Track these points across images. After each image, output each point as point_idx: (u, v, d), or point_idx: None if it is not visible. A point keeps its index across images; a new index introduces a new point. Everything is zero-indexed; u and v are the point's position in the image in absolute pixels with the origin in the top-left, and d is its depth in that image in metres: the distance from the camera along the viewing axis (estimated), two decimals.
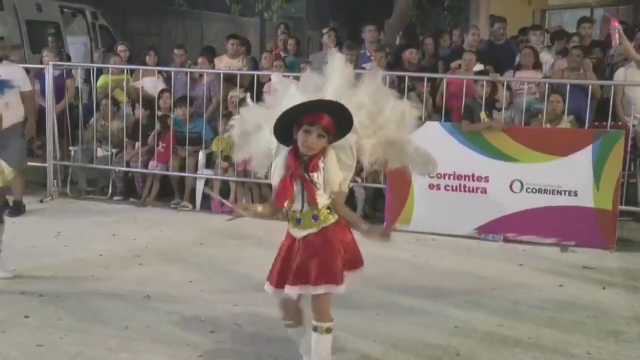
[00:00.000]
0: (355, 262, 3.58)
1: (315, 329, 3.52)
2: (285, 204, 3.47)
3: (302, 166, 3.41)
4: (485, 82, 7.03)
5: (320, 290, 3.43)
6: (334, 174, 3.42)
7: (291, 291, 3.48)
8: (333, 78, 3.64)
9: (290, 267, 3.51)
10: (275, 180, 3.49)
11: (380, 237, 3.55)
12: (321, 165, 3.40)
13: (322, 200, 3.45)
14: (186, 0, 27.32)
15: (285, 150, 3.51)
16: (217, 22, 27.34)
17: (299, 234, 3.51)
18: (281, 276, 3.54)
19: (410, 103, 3.89)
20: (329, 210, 3.49)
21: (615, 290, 5.35)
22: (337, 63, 3.67)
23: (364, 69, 8.01)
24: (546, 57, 8.44)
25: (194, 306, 4.78)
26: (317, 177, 3.40)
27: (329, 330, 3.52)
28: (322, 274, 3.42)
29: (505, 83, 7.17)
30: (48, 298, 4.83)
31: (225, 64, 8.94)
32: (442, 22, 20.98)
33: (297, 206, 3.47)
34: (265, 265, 5.42)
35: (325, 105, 3.40)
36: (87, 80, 9.44)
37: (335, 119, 3.38)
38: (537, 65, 7.95)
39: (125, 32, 22.58)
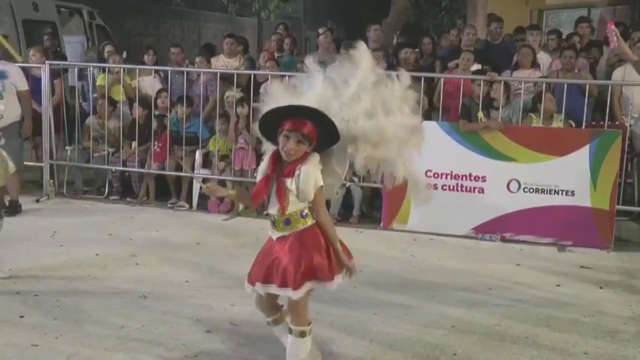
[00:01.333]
0: (322, 272, 3.41)
1: (290, 331, 3.51)
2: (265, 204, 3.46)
3: (279, 170, 3.38)
4: (482, 82, 7.02)
5: (279, 291, 3.41)
6: (308, 184, 3.33)
7: (259, 288, 3.48)
8: (358, 75, 3.51)
9: (262, 266, 3.49)
10: (258, 177, 3.52)
11: (345, 268, 3.48)
12: (297, 172, 3.33)
13: (293, 206, 3.37)
14: (183, 0, 27.34)
15: (270, 150, 3.51)
16: (215, 22, 27.33)
17: (274, 235, 3.49)
18: (255, 273, 3.53)
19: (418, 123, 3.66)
20: (303, 215, 3.40)
21: (612, 290, 5.34)
22: (366, 60, 3.54)
23: None
24: (543, 57, 8.43)
25: (190, 306, 4.76)
26: (290, 183, 3.33)
27: (303, 334, 3.48)
28: (284, 277, 3.38)
29: (503, 82, 7.14)
30: (43, 297, 4.81)
31: (222, 63, 8.93)
32: (440, 21, 20.98)
33: (271, 209, 3.43)
34: None
35: (308, 111, 3.33)
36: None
37: (319, 126, 3.33)
38: (535, 64, 7.94)
39: (122, 32, 22.55)
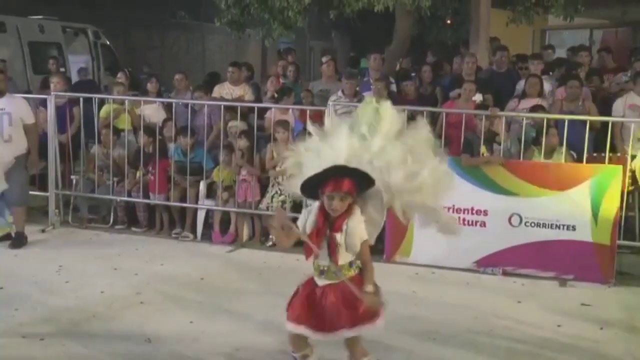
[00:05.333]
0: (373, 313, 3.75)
1: None
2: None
3: (328, 224, 3.65)
4: (484, 116, 7.06)
5: (356, 331, 3.74)
6: (356, 237, 3.62)
7: (319, 337, 3.78)
8: (382, 128, 3.82)
9: (317, 312, 3.73)
10: (308, 229, 3.73)
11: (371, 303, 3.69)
12: (344, 227, 3.61)
13: (343, 257, 3.68)
14: (188, 13, 27.48)
15: (315, 204, 3.77)
16: (219, 34, 27.42)
17: (321, 281, 3.76)
18: (302, 313, 3.77)
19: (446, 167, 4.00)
20: (352, 265, 3.71)
21: (613, 331, 5.36)
22: (388, 114, 3.86)
23: (364, 97, 8.14)
24: (545, 85, 8.47)
25: (195, 350, 4.81)
26: (340, 237, 3.63)
27: None
28: (359, 316, 3.69)
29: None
30: (49, 342, 4.86)
31: (227, 90, 9.00)
32: (443, 36, 20.98)
33: (322, 260, 3.73)
34: (265, 303, 5.48)
35: (343, 169, 3.61)
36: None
37: (355, 179, 3.60)
38: (541, 93, 7.99)
39: (127, 45, 22.69)
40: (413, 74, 9.62)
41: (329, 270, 3.71)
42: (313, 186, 3.68)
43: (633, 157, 7.30)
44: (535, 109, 7.45)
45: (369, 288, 3.66)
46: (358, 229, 3.62)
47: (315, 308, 3.74)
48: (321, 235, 3.65)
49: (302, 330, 3.78)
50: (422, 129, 3.94)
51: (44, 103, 8.40)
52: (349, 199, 3.61)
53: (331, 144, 3.87)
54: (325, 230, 3.65)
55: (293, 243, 3.77)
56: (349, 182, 3.57)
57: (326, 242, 3.66)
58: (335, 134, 3.91)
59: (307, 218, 3.75)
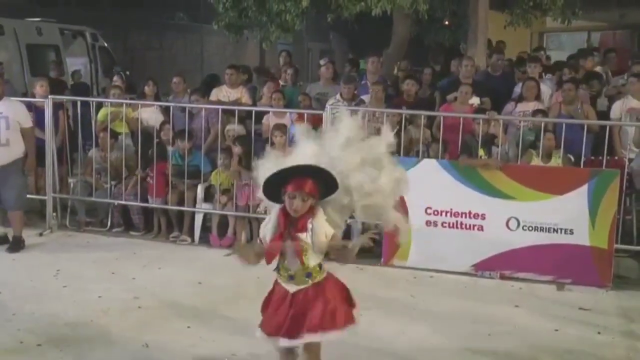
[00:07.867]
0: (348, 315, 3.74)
1: None
2: (277, 259, 3.68)
3: (290, 226, 3.61)
4: (481, 120, 7.06)
5: (314, 337, 3.64)
6: (322, 235, 3.58)
7: (286, 343, 3.69)
8: (340, 137, 3.84)
9: (284, 318, 3.69)
10: (267, 236, 3.70)
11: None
12: (309, 226, 3.58)
13: (312, 259, 3.63)
14: (186, 14, 27.51)
15: (276, 207, 3.70)
16: (217, 36, 27.33)
17: (292, 288, 3.70)
18: (274, 324, 3.73)
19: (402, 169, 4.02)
20: (321, 267, 3.68)
21: (610, 335, 5.36)
22: (348, 121, 3.89)
23: (363, 100, 8.16)
24: (544, 88, 8.47)
25: (192, 355, 4.81)
26: (306, 237, 3.59)
27: None
28: (318, 323, 3.61)
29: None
30: (47, 347, 4.86)
31: (224, 93, 8.97)
32: (441, 37, 20.92)
33: (290, 264, 3.66)
34: None
35: (307, 169, 3.59)
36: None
37: (318, 180, 3.59)
38: (538, 97, 8.00)
39: (125, 46, 22.69)
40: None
41: (298, 274, 3.66)
42: (276, 187, 3.64)
43: (630, 160, 7.31)
44: (536, 114, 7.45)
45: (350, 244, 3.60)
46: (324, 227, 3.57)
47: (286, 315, 3.69)
48: (284, 237, 3.60)
49: (272, 340, 3.75)
50: (384, 137, 3.92)
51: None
52: (310, 200, 3.57)
53: (292, 153, 3.88)
54: (288, 232, 3.60)
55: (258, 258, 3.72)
56: (311, 183, 3.55)
57: (291, 245, 3.60)
58: (301, 148, 3.89)
59: (267, 223, 3.73)
